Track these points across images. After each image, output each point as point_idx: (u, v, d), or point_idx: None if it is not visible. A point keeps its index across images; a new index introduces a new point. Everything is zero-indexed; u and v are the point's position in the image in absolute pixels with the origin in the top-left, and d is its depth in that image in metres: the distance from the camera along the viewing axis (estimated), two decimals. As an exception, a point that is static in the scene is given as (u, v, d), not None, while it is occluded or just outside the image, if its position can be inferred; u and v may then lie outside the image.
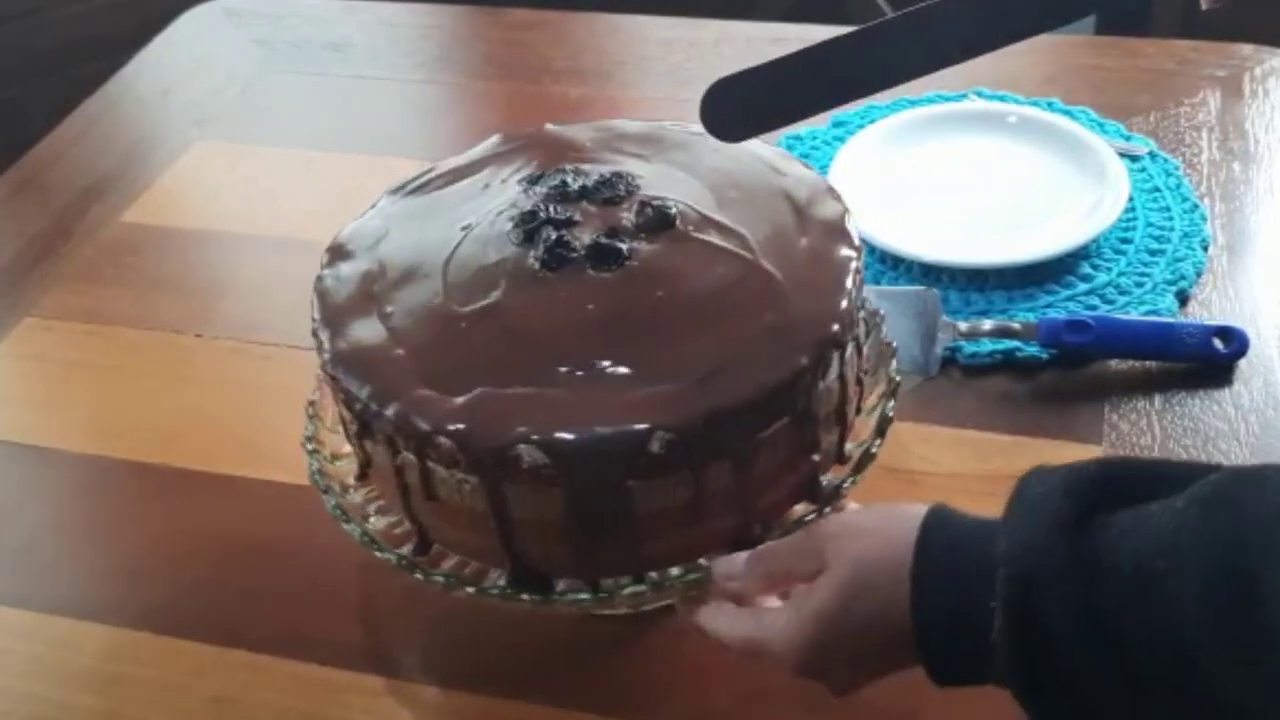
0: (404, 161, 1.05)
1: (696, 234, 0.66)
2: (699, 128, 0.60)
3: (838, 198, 0.69)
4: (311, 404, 0.71)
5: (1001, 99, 1.07)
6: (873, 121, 1.04)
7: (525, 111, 1.15)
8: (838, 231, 0.67)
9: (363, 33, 1.30)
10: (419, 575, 0.63)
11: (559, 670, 0.69)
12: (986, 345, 0.84)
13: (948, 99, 1.07)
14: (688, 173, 0.70)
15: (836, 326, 0.61)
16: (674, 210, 0.66)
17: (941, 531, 0.53)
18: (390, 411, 0.59)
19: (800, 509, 0.64)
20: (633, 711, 0.67)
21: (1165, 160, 1.00)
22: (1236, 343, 0.82)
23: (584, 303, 0.62)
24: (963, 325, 0.85)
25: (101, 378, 0.92)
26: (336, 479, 0.68)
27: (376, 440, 0.61)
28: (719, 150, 0.70)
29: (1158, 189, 0.97)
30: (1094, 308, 0.87)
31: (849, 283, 0.63)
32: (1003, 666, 0.49)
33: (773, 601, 0.59)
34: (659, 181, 0.69)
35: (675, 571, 0.61)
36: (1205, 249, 0.92)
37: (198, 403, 0.89)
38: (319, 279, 0.67)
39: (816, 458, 0.64)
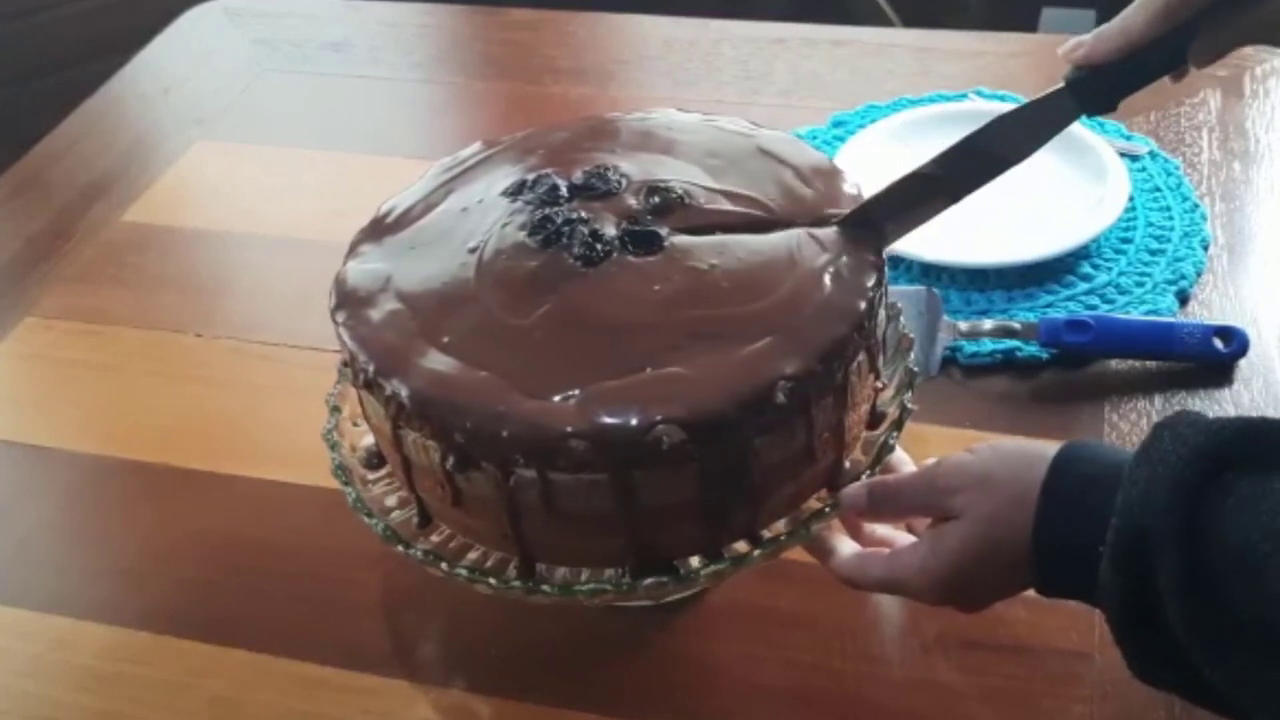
0: (403, 161, 1.06)
1: (709, 205, 0.66)
2: (639, 114, 0.71)
3: (805, 144, 0.72)
4: (330, 396, 0.71)
5: (1001, 99, 1.07)
6: (873, 121, 1.04)
7: (525, 111, 1.15)
8: (831, 172, 0.69)
9: (362, 33, 1.30)
10: (442, 569, 0.62)
11: (559, 670, 0.69)
12: (987, 345, 0.84)
13: (948, 98, 1.08)
14: (662, 154, 0.71)
15: (885, 256, 0.64)
16: (679, 189, 0.67)
17: (1067, 483, 0.55)
18: (505, 431, 0.57)
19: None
20: (632, 711, 0.67)
21: (1165, 160, 1.00)
22: (1237, 342, 0.82)
23: (649, 285, 0.62)
24: (963, 325, 0.85)
25: (101, 378, 0.92)
26: (357, 473, 0.68)
27: (480, 469, 0.59)
28: (671, 128, 0.73)
29: (1158, 189, 0.97)
30: (1094, 307, 0.87)
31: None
32: (1104, 606, 0.52)
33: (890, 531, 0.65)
34: (642, 168, 0.69)
35: (784, 536, 0.62)
36: (1205, 249, 0.92)
37: (198, 403, 0.89)
38: (348, 330, 0.63)
39: (880, 384, 0.67)
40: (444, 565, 0.62)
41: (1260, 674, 0.47)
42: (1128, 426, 0.79)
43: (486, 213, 0.68)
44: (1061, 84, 0.62)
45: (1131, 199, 0.94)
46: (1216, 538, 0.48)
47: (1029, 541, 0.55)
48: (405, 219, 0.70)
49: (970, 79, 1.11)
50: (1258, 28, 0.60)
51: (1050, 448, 0.56)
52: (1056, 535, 0.54)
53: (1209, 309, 0.87)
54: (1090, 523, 0.52)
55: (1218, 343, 0.82)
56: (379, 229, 0.70)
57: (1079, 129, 0.99)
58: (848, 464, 0.65)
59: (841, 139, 1.03)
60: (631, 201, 0.67)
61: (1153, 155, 1.00)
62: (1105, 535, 0.51)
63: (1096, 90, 0.62)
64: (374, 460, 0.69)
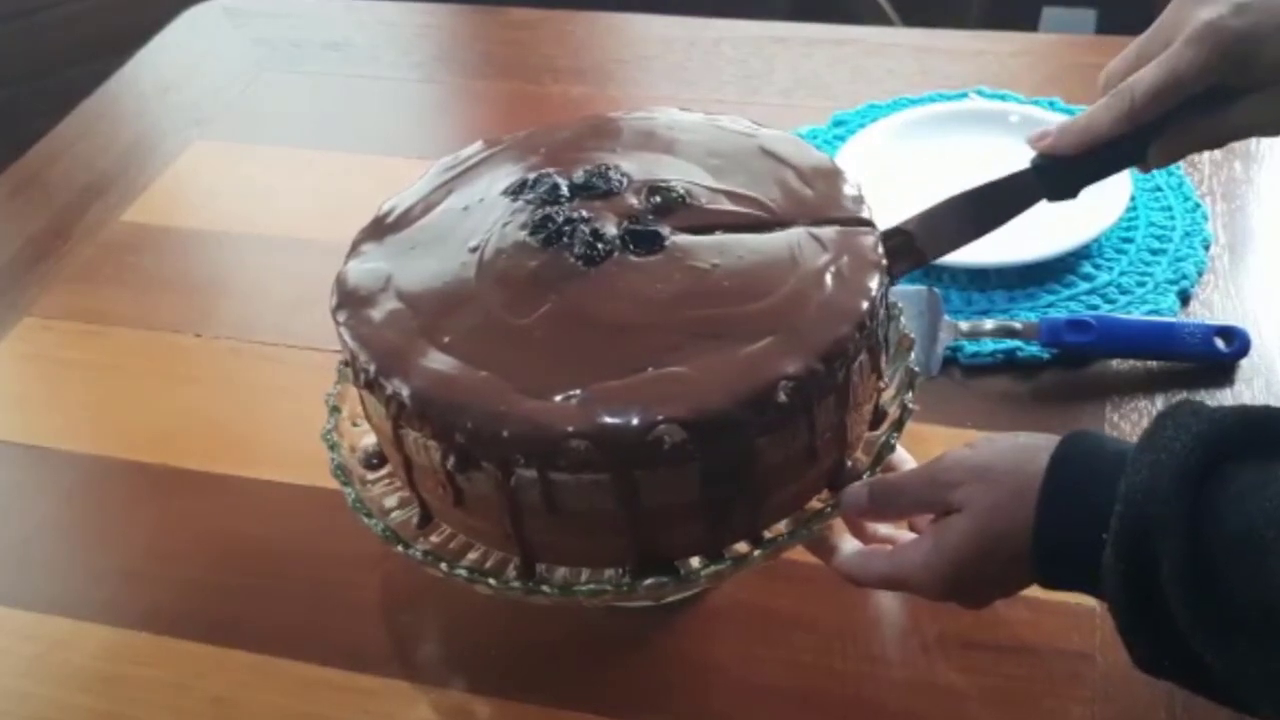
0: (403, 161, 1.06)
1: (711, 205, 0.66)
2: (641, 113, 0.73)
3: (806, 144, 0.72)
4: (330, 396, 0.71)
5: (1002, 98, 1.07)
6: (873, 120, 1.04)
7: (525, 111, 1.15)
8: (832, 172, 0.69)
9: (362, 32, 1.30)
10: (442, 569, 0.62)
11: (559, 670, 0.69)
12: (988, 345, 0.84)
13: (948, 98, 1.07)
14: (663, 153, 0.71)
15: (886, 258, 0.64)
16: (680, 188, 0.67)
17: (1069, 474, 0.55)
18: (506, 431, 0.57)
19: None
20: (633, 711, 0.67)
21: (1166, 159, 0.99)
22: (1238, 342, 0.82)
23: (650, 284, 0.62)
24: (964, 325, 0.84)
25: (101, 378, 0.92)
26: (356, 474, 0.68)
27: (481, 469, 0.59)
28: (672, 127, 0.73)
29: (1159, 188, 0.97)
30: (1095, 307, 0.87)
31: (868, 213, 0.66)
32: (1106, 595, 0.52)
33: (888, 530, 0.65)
34: (643, 167, 0.69)
35: (785, 536, 0.62)
36: (1207, 248, 0.92)
37: (197, 403, 0.89)
38: (349, 330, 0.64)
39: (883, 384, 0.67)
40: (444, 565, 0.62)
41: (1262, 662, 0.47)
42: (1129, 427, 0.79)
43: (487, 212, 0.68)
44: (1028, 166, 0.67)
45: (1133, 198, 0.94)
46: (1219, 525, 0.48)
47: (1030, 533, 0.55)
48: (406, 218, 0.70)
49: (970, 79, 1.11)
50: (1214, 135, 0.65)
51: (1050, 440, 0.57)
52: (1058, 526, 0.54)
53: (1210, 309, 0.87)
54: (1092, 513, 0.52)
55: (1219, 342, 0.82)
56: (380, 228, 0.70)
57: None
58: (849, 464, 0.65)
59: (842, 138, 1.03)
60: (633, 201, 0.67)
61: (1153, 155, 1.00)
62: (1107, 525, 0.51)
63: (1059, 178, 0.66)
64: (373, 460, 0.69)
